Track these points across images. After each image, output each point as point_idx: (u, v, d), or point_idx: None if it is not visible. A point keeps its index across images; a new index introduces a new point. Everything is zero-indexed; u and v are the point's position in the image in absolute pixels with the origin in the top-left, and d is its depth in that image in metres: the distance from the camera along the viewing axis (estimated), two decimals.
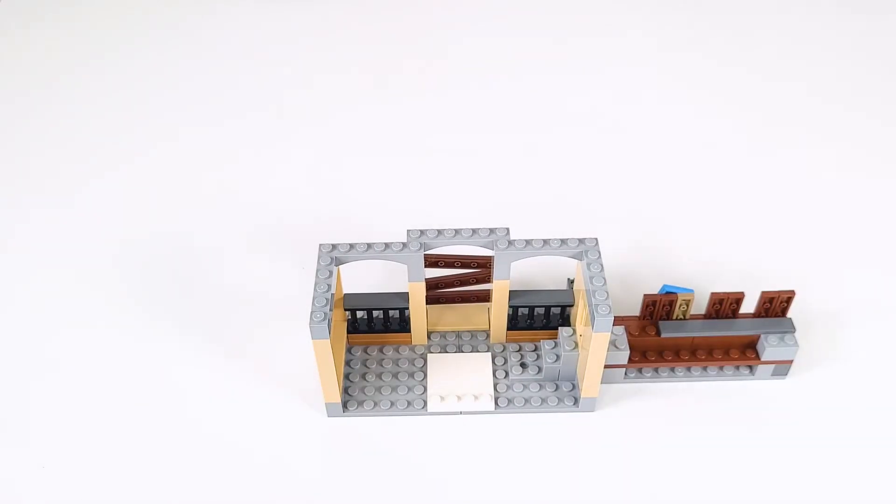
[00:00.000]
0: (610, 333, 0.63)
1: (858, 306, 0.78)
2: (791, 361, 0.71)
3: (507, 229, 0.68)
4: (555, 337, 0.73)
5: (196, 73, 1.08)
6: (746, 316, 0.72)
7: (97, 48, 1.12)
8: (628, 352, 0.69)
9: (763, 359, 0.71)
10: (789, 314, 0.72)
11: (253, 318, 0.78)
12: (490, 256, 0.69)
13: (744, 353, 0.71)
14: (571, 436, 0.69)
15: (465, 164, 0.94)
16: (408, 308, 0.72)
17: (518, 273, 0.77)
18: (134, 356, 0.75)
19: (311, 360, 0.67)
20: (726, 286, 0.78)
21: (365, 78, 1.07)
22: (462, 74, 1.07)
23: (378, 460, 0.67)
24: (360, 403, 0.70)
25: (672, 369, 0.72)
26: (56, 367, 0.74)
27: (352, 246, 0.67)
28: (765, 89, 1.04)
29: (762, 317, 0.71)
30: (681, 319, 0.71)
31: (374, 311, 0.73)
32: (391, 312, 0.74)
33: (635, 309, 0.74)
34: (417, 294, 0.70)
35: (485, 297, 0.74)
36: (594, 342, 0.63)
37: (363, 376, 0.72)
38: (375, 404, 0.70)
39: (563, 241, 0.67)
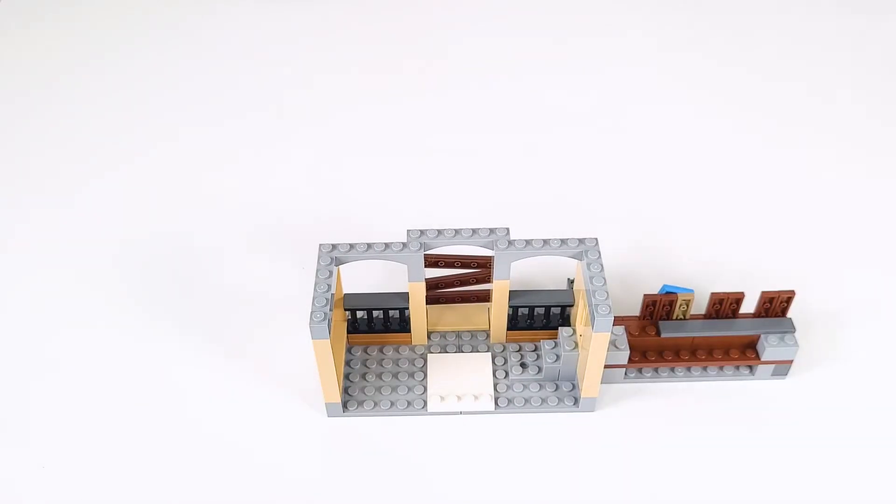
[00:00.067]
0: (610, 333, 0.63)
1: (858, 306, 0.78)
2: (791, 361, 0.71)
3: (507, 229, 0.68)
4: (555, 337, 0.73)
5: (196, 73, 1.08)
6: (746, 316, 0.72)
7: (97, 48, 1.12)
8: (628, 352, 0.69)
9: (763, 359, 0.71)
10: (789, 314, 0.72)
11: (253, 318, 0.78)
12: (490, 256, 0.69)
13: (744, 353, 0.71)
14: (571, 436, 0.69)
15: (465, 164, 0.94)
16: (408, 308, 0.72)
17: (518, 273, 0.77)
18: (134, 356, 0.75)
19: (311, 360, 0.67)
20: (726, 286, 0.78)
21: (365, 78, 1.07)
22: (462, 74, 1.07)
23: (378, 460, 0.67)
24: (360, 403, 0.70)
25: (672, 369, 0.72)
26: (56, 367, 0.74)
27: (352, 246, 0.67)
28: (765, 89, 1.04)
29: (762, 317, 0.71)
30: (681, 319, 0.71)
31: (374, 311, 0.73)
32: (391, 312, 0.74)
33: (635, 309, 0.74)
34: (417, 294, 0.70)
35: (485, 297, 0.74)
36: (594, 342, 0.63)
37: (363, 376, 0.72)
38: (375, 404, 0.70)
39: (563, 241, 0.67)
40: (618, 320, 0.71)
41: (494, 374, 0.72)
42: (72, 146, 0.98)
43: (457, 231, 0.67)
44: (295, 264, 0.82)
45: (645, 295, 0.70)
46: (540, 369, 0.72)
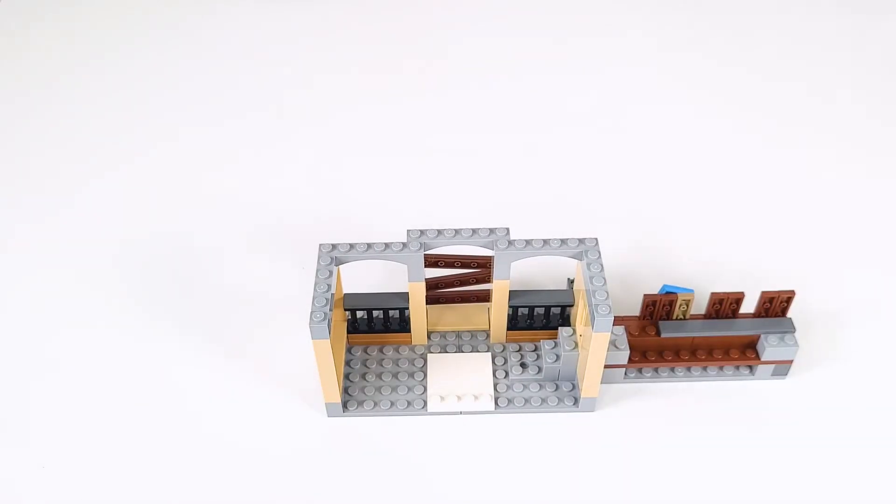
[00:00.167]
0: (610, 333, 0.63)
1: (858, 306, 0.78)
2: (791, 361, 0.71)
3: (507, 229, 0.68)
4: (555, 337, 0.73)
5: (196, 73, 1.08)
6: (746, 316, 0.72)
7: (97, 48, 1.12)
8: (628, 352, 0.69)
9: (763, 359, 0.71)
10: (789, 314, 0.72)
11: (253, 318, 0.78)
12: (490, 256, 0.69)
13: (744, 353, 0.71)
14: (571, 436, 0.69)
15: (465, 164, 0.94)
16: (408, 308, 0.72)
17: (518, 273, 0.77)
18: (134, 356, 0.75)
19: (311, 360, 0.67)
20: (726, 286, 0.78)
21: (365, 78, 1.07)
22: (462, 74, 1.07)
23: (378, 460, 0.67)
24: (360, 403, 0.70)
25: (672, 369, 0.72)
26: (56, 367, 0.74)
27: (352, 246, 0.67)
28: (765, 89, 1.04)
29: (762, 317, 0.71)
30: (681, 319, 0.71)
31: (374, 311, 0.73)
32: (391, 312, 0.74)
33: (635, 309, 0.74)
34: (417, 294, 0.70)
35: (485, 297, 0.74)
36: (594, 342, 0.63)
37: (363, 376, 0.72)
38: (375, 404, 0.70)
39: (563, 241, 0.67)
40: (618, 320, 0.71)
41: (494, 374, 0.72)
42: (72, 146, 0.98)
43: (457, 231, 0.67)
44: (295, 264, 0.82)
45: (645, 295, 0.70)
46: (540, 369, 0.72)
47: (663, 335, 0.70)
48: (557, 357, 0.70)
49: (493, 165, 0.94)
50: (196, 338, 0.76)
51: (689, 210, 0.88)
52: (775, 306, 0.71)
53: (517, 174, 0.93)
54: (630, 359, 0.71)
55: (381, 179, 0.93)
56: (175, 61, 1.10)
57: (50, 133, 1.00)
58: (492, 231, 0.67)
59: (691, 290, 0.70)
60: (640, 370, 0.72)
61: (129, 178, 0.93)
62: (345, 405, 0.70)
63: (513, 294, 0.72)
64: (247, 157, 0.96)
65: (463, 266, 0.71)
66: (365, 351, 0.74)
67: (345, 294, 0.73)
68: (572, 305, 0.72)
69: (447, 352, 0.74)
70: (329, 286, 0.64)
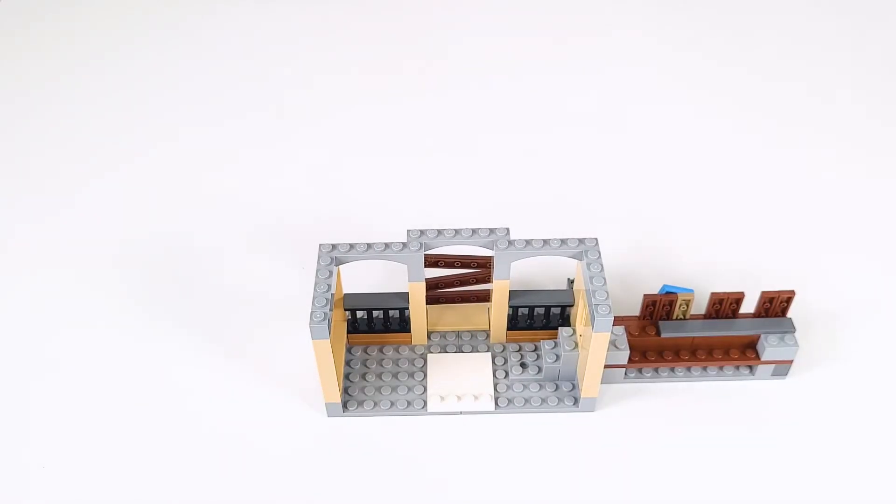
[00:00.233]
0: (610, 333, 0.63)
1: (858, 306, 0.78)
2: (791, 361, 0.71)
3: (507, 229, 0.68)
4: (555, 337, 0.73)
5: (196, 73, 1.08)
6: (746, 316, 0.72)
7: (97, 48, 1.12)
8: (628, 352, 0.69)
9: (763, 359, 0.71)
10: (789, 314, 0.72)
11: (253, 318, 0.78)
12: (490, 256, 0.69)
13: (744, 353, 0.71)
14: (571, 436, 0.69)
15: (465, 164, 0.94)
16: (408, 308, 0.72)
17: (518, 273, 0.77)
18: (134, 356, 0.75)
19: (311, 360, 0.67)
20: (726, 286, 0.78)
21: (365, 78, 1.07)
22: (462, 74, 1.07)
23: (378, 460, 0.67)
24: (360, 403, 0.70)
25: (672, 369, 0.72)
26: (56, 367, 0.74)
27: (352, 246, 0.67)
28: (765, 89, 1.04)
29: (762, 317, 0.71)
30: (681, 319, 0.71)
31: (374, 311, 0.73)
32: (391, 312, 0.74)
33: (635, 309, 0.74)
34: (417, 294, 0.70)
35: (485, 297, 0.74)
36: (594, 342, 0.63)
37: (363, 376, 0.72)
38: (375, 404, 0.70)
39: (563, 241, 0.67)
40: (618, 320, 0.71)
41: (494, 374, 0.72)
42: (72, 146, 0.98)
43: (457, 231, 0.67)
44: (295, 264, 0.82)
45: (645, 295, 0.70)
46: (540, 369, 0.72)
47: (663, 335, 0.70)
48: (557, 357, 0.70)
49: (493, 165, 0.94)
50: (196, 338, 0.76)
51: (689, 210, 0.88)
52: (775, 306, 0.71)
53: (517, 174, 0.93)
54: (630, 359, 0.71)
55: (381, 179, 0.93)
56: (175, 61, 1.10)
57: (50, 133, 1.00)
58: (492, 231, 0.67)
59: (691, 290, 0.70)
60: (640, 370, 0.72)
61: (129, 178, 0.93)
62: (345, 405, 0.70)
63: (513, 294, 0.72)
64: (247, 157, 0.96)
65: (463, 266, 0.71)
66: (365, 351, 0.74)
67: (345, 294, 0.73)
68: (572, 305, 0.72)
69: (447, 352, 0.74)
70: (329, 286, 0.64)
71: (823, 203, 0.89)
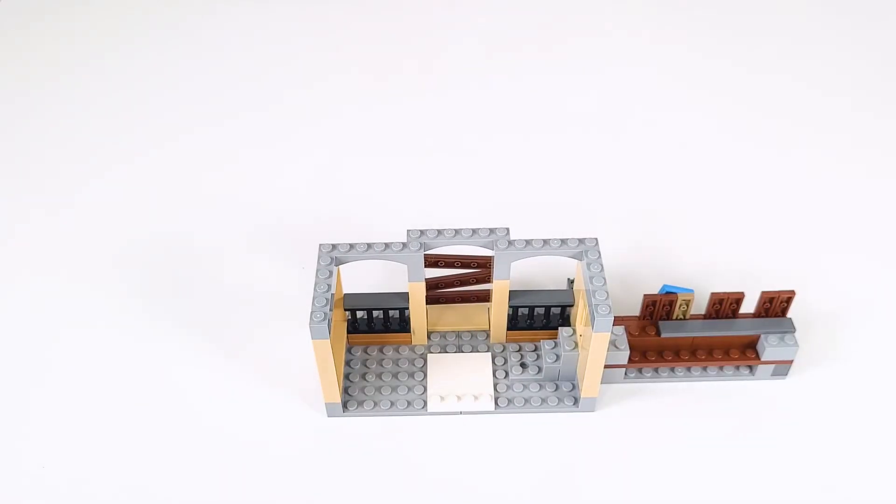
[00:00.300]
0: (610, 333, 0.63)
1: (858, 306, 0.78)
2: (791, 361, 0.71)
3: (507, 229, 0.68)
4: (555, 337, 0.73)
5: (196, 73, 1.08)
6: (746, 316, 0.72)
7: (97, 48, 1.12)
8: (628, 352, 0.69)
9: (763, 359, 0.71)
10: (789, 314, 0.72)
11: (253, 318, 0.78)
12: (490, 256, 0.69)
13: (744, 353, 0.71)
14: (571, 436, 0.69)
15: (465, 164, 0.94)
16: (408, 308, 0.72)
17: (518, 273, 0.77)
18: (134, 356, 0.75)
19: (311, 360, 0.67)
20: (726, 286, 0.78)
21: (365, 78, 1.07)
22: (462, 74, 1.07)
23: (378, 460, 0.67)
24: (360, 403, 0.70)
25: (672, 369, 0.72)
26: (56, 366, 0.74)
27: (352, 246, 0.67)
28: (765, 89, 1.04)
29: (762, 317, 0.71)
30: (681, 319, 0.71)
31: (374, 311, 0.73)
32: (391, 312, 0.74)
33: (635, 309, 0.74)
34: (417, 294, 0.70)
35: (485, 297, 0.74)
36: (594, 342, 0.63)
37: (363, 376, 0.72)
38: (375, 404, 0.70)
39: (563, 241, 0.67)
40: (618, 320, 0.71)
41: (494, 374, 0.72)
42: (72, 146, 0.98)
43: (457, 231, 0.67)
44: (295, 264, 0.82)
45: (645, 295, 0.70)
46: (540, 369, 0.72)
47: (663, 335, 0.70)
48: (557, 357, 0.70)
49: (493, 165, 0.94)
50: (196, 338, 0.76)
51: (689, 210, 0.88)
52: (775, 306, 0.71)
53: (517, 174, 0.93)
54: (630, 359, 0.71)
55: (381, 179, 0.93)
56: (175, 61, 1.10)
57: (50, 133, 1.00)
58: (492, 231, 0.67)
59: (691, 290, 0.70)
60: (640, 370, 0.72)
61: (129, 178, 0.93)
62: (345, 405, 0.70)
63: (513, 294, 0.72)
64: (247, 157, 0.96)
65: (463, 266, 0.71)
66: (365, 351, 0.74)
67: (345, 294, 0.73)
68: (572, 305, 0.72)
69: (447, 352, 0.74)
70: (329, 286, 0.64)
71: (823, 203, 0.89)
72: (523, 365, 0.73)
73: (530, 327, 0.74)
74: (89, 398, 0.72)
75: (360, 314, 0.74)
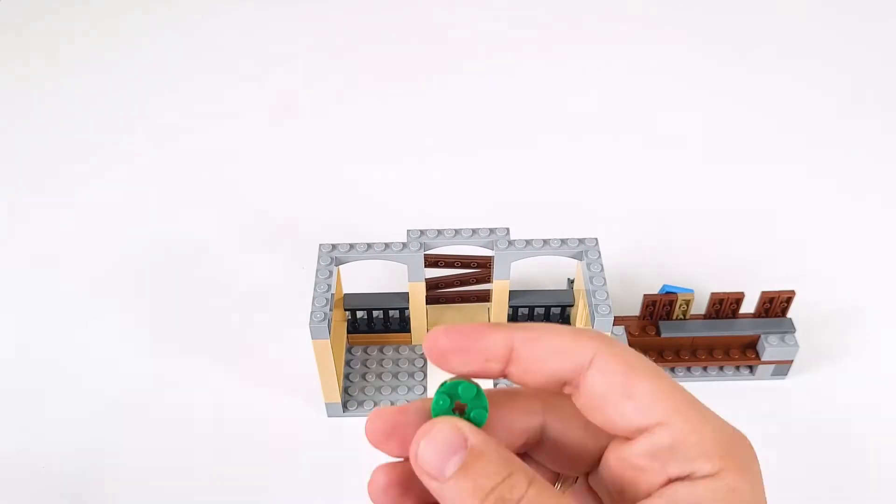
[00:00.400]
0: (610, 333, 0.63)
1: (858, 306, 0.78)
2: (791, 361, 0.71)
3: (507, 229, 0.68)
4: None
5: (196, 73, 1.08)
6: (746, 316, 0.72)
7: (97, 48, 1.12)
8: None
9: (763, 359, 0.71)
10: (789, 314, 0.72)
11: (253, 318, 0.78)
12: (490, 256, 0.69)
13: (744, 353, 0.71)
14: None
15: (465, 164, 0.94)
16: (408, 308, 0.72)
17: (518, 273, 0.77)
18: (133, 356, 0.75)
19: (311, 360, 0.67)
20: (726, 286, 0.78)
21: (365, 78, 1.07)
22: (462, 74, 1.07)
23: (378, 460, 0.67)
24: (360, 403, 0.70)
25: (672, 369, 0.72)
26: (55, 367, 0.74)
27: (352, 246, 0.67)
28: (765, 90, 1.04)
29: (762, 317, 0.71)
30: (681, 319, 0.71)
31: (374, 311, 0.73)
32: (391, 312, 0.74)
33: (635, 309, 0.74)
34: (417, 294, 0.70)
35: (485, 297, 0.74)
36: None
37: (363, 376, 0.72)
38: (375, 404, 0.70)
39: (563, 241, 0.67)
40: (618, 320, 0.71)
41: None
42: (72, 146, 0.98)
43: (457, 231, 0.67)
44: (295, 264, 0.82)
45: (645, 295, 0.70)
46: None
47: (663, 335, 0.70)
48: None
49: (494, 165, 0.94)
50: (196, 338, 0.76)
51: (689, 210, 0.88)
52: (775, 306, 0.71)
53: (517, 174, 0.93)
54: None
55: (381, 179, 0.93)
56: (175, 61, 1.10)
57: (50, 133, 1.00)
58: (492, 231, 0.67)
59: (691, 290, 0.70)
60: None
61: (129, 178, 0.93)
62: (345, 405, 0.70)
63: (513, 294, 0.72)
64: (247, 157, 0.96)
65: (463, 266, 0.71)
66: (365, 351, 0.74)
67: (345, 294, 0.73)
68: (572, 305, 0.72)
69: None
70: (329, 286, 0.64)
71: (823, 203, 0.89)
72: None
73: None
74: (89, 398, 0.72)
75: (360, 314, 0.74)
